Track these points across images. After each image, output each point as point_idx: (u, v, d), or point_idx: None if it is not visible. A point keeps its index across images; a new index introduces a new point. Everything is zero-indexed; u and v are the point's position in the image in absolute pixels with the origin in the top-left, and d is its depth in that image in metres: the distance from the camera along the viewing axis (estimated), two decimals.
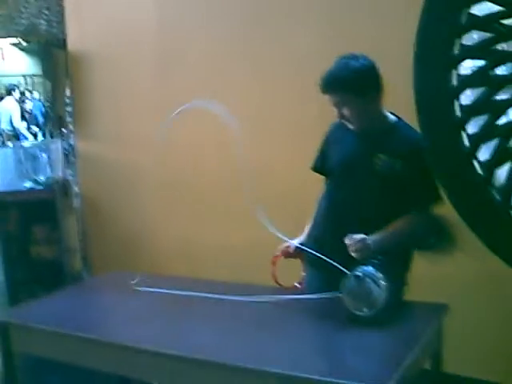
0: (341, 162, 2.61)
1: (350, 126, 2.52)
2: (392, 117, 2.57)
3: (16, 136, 6.29)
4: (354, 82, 2.40)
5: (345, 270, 2.21)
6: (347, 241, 2.34)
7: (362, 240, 2.34)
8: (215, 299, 2.49)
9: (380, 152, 2.48)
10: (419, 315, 2.31)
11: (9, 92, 8.57)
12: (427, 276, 3.19)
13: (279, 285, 2.69)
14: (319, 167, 2.74)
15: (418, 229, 2.56)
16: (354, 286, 2.18)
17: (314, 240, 2.69)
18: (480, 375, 3.15)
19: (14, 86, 9.12)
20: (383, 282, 2.15)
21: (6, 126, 5.18)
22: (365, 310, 2.18)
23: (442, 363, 2.32)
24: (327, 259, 2.26)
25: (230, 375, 1.95)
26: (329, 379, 1.75)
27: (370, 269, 2.18)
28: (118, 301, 2.69)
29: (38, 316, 2.54)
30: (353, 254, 2.33)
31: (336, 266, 2.23)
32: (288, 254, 2.80)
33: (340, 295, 2.21)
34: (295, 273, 2.80)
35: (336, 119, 2.55)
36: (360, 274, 2.16)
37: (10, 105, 8.74)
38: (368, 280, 2.15)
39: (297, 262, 2.79)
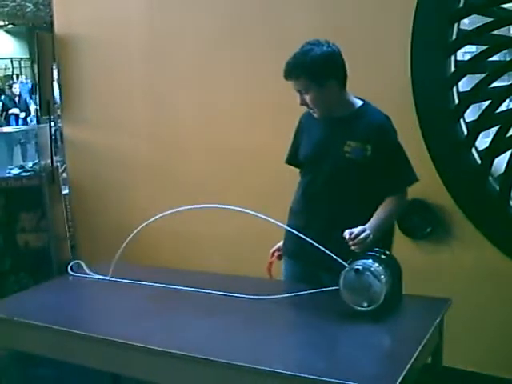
0: (311, 151, 2.57)
1: (314, 114, 2.51)
2: (358, 101, 2.53)
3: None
4: (312, 69, 2.37)
5: (345, 264, 2.13)
6: (347, 235, 2.27)
7: (363, 231, 2.29)
8: (208, 293, 2.41)
9: (349, 139, 2.44)
10: (422, 311, 2.21)
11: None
12: (425, 267, 3.16)
13: None
14: (292, 159, 2.71)
15: (402, 210, 2.56)
16: (354, 279, 2.10)
17: (294, 229, 2.59)
18: (480, 369, 3.11)
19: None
20: (383, 276, 2.09)
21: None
22: (364, 304, 2.11)
23: (441, 357, 2.27)
24: (327, 251, 2.18)
25: (225, 373, 1.86)
26: (332, 379, 1.66)
27: (369, 262, 2.11)
28: (108, 294, 2.61)
29: (25, 309, 2.42)
30: (354, 248, 2.26)
31: (337, 260, 2.15)
32: (281, 256, 2.75)
33: (338, 289, 2.14)
34: None
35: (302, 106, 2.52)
36: (360, 267, 2.09)
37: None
38: (368, 273, 2.08)
39: None
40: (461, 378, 3.07)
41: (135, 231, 2.68)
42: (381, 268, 2.12)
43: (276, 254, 2.74)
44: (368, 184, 2.44)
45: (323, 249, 2.21)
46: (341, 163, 2.45)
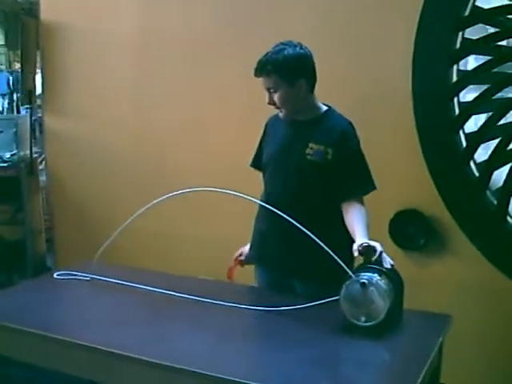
0: (274, 153, 2.58)
1: (280, 114, 2.53)
2: (323, 107, 2.55)
3: None
4: (284, 67, 2.40)
5: (350, 272, 2.04)
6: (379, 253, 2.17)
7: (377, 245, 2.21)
8: (199, 300, 2.30)
9: (311, 141, 2.46)
10: (425, 328, 2.13)
11: None
12: (416, 280, 3.08)
13: None
14: (256, 162, 2.70)
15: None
16: (357, 292, 2.01)
17: (258, 235, 2.64)
18: None
19: None
20: (387, 292, 2.00)
21: None
22: (362, 319, 2.02)
23: (439, 375, 2.19)
24: (333, 254, 2.09)
25: None
26: None
27: (375, 276, 2.02)
28: (92, 297, 2.46)
29: (1, 310, 2.29)
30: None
31: (345, 269, 2.07)
32: (244, 262, 2.74)
33: (338, 299, 2.05)
34: None
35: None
36: (366, 280, 2.00)
37: None
38: (372, 288, 1.99)
39: None
40: None
41: (120, 228, 2.56)
42: (385, 283, 2.03)
43: (238, 259, 2.74)
44: (328, 188, 2.46)
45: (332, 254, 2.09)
46: (302, 165, 2.46)
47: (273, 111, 2.63)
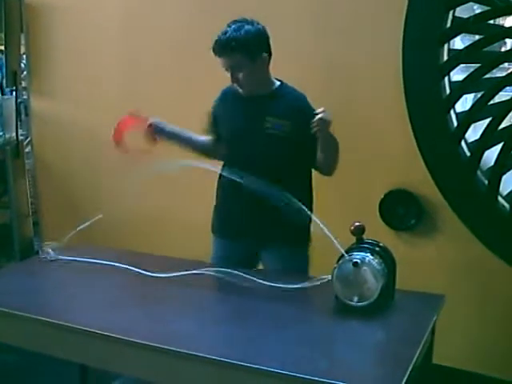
0: (233, 128, 2.62)
1: (240, 91, 2.54)
2: (276, 81, 2.59)
3: None
4: (248, 44, 2.42)
5: (342, 251, 2.02)
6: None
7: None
8: (193, 282, 2.27)
9: (268, 115, 2.50)
10: (418, 307, 2.11)
11: None
12: (406, 260, 3.07)
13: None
14: (211, 130, 2.75)
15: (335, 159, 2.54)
16: (349, 272, 2.00)
17: (222, 209, 2.66)
18: (462, 366, 3.06)
19: None
20: (380, 272, 1.99)
21: None
22: (355, 299, 2.01)
23: (432, 355, 2.18)
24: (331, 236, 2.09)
25: (215, 371, 1.72)
26: (332, 381, 1.56)
27: (368, 255, 2.00)
28: (82, 279, 2.42)
29: None
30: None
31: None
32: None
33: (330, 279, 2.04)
34: None
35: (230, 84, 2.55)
36: (358, 260, 1.99)
37: None
38: (365, 268, 1.98)
39: None
40: (446, 376, 3.01)
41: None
42: (378, 263, 2.01)
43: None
44: (288, 157, 2.50)
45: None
46: (262, 139, 2.51)
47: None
